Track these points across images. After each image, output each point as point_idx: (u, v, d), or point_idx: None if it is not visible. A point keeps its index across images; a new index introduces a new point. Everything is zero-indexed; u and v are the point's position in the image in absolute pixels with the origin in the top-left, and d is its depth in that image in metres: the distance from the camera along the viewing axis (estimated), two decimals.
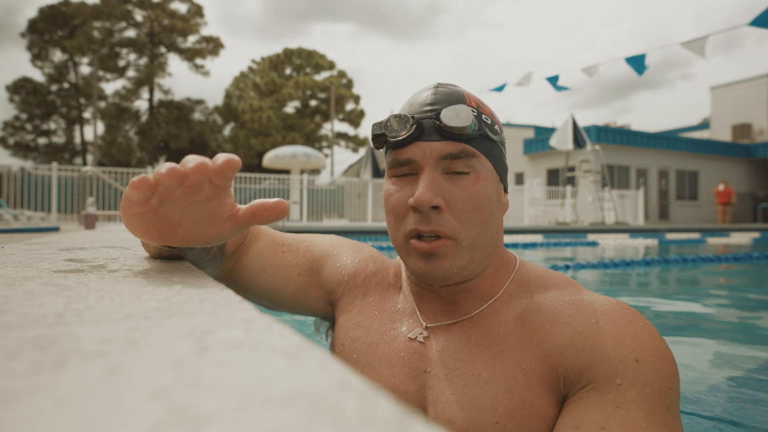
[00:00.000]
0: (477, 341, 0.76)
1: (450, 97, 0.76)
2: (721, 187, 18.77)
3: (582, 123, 20.33)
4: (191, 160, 0.55)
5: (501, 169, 0.79)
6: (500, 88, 11.66)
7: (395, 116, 0.74)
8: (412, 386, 0.77)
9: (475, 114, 0.74)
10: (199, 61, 36.44)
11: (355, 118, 37.83)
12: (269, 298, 0.95)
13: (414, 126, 0.73)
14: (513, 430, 0.68)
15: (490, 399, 0.70)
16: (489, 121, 0.77)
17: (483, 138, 0.75)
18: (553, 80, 10.89)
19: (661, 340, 0.68)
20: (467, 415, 0.70)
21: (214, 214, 0.60)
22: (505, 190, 0.81)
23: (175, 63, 74.61)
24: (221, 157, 0.55)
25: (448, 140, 0.73)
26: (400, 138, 0.74)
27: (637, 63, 9.46)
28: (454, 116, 0.71)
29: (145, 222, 0.59)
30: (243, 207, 0.61)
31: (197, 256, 0.74)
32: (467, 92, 0.79)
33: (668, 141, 21.10)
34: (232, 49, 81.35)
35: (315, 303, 0.95)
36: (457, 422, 0.71)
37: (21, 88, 33.10)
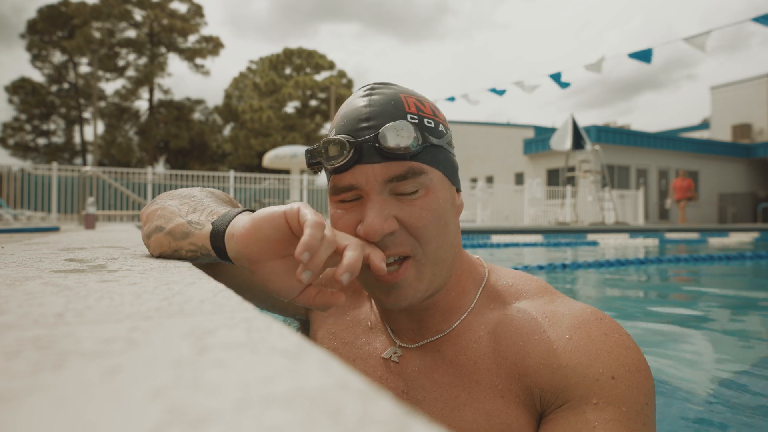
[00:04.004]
0: (452, 360, 0.74)
1: (386, 106, 0.69)
2: (677, 181, 15.64)
3: (586, 123, 20.28)
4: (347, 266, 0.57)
5: (451, 172, 0.74)
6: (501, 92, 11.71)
7: (330, 141, 0.68)
8: None
9: (416, 122, 0.69)
10: (199, 60, 36.52)
11: None
12: (240, 286, 0.91)
13: (351, 151, 0.67)
14: None
15: (469, 422, 0.69)
16: (432, 124, 0.71)
17: (428, 148, 0.69)
18: (555, 77, 10.91)
19: (636, 351, 0.67)
20: None
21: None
22: (458, 190, 0.77)
23: (175, 63, 74.69)
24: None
25: (390, 161, 0.67)
26: (338, 165, 0.68)
27: (644, 56, 9.59)
28: (395, 136, 0.65)
29: (278, 257, 0.62)
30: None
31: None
32: (404, 93, 0.72)
33: (668, 141, 21.09)
34: (238, 50, 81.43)
35: (286, 303, 0.93)
36: None
37: (20, 88, 33.14)
